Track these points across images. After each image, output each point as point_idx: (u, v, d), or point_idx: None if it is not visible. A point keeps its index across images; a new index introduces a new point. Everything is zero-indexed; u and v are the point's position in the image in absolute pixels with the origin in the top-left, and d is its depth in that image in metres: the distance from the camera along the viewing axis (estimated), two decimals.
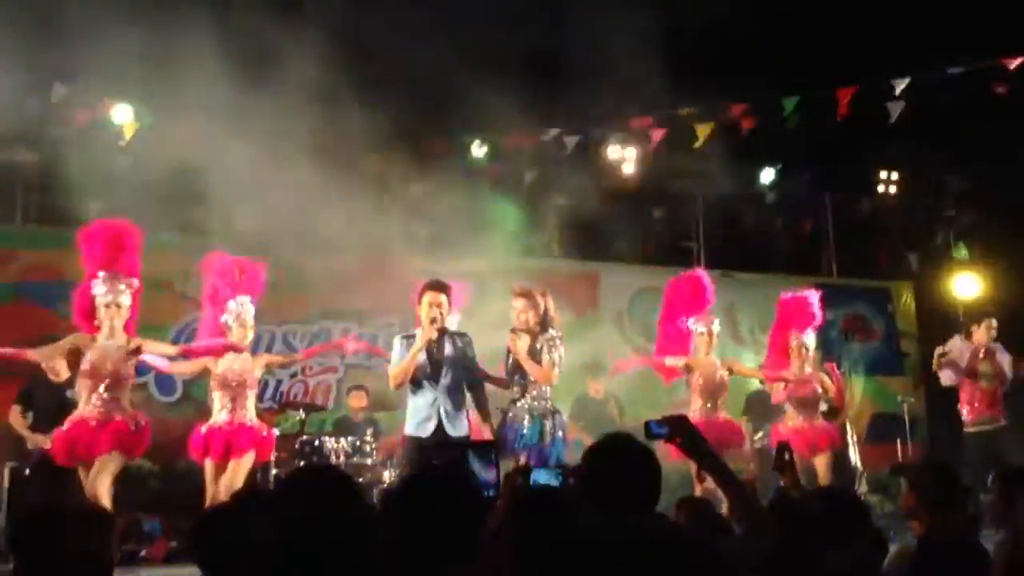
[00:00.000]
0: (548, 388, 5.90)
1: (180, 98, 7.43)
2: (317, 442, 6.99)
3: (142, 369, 6.44)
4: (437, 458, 5.12)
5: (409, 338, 5.70)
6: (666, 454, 2.72)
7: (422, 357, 5.61)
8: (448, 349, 5.69)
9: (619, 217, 10.20)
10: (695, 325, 6.95)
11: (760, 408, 8.43)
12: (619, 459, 2.51)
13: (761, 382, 8.13)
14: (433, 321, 5.59)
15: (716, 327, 7.00)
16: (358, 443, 7.10)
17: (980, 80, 8.15)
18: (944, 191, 11.46)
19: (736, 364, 7.37)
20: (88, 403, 5.51)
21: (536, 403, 5.84)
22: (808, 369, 7.18)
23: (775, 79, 9.03)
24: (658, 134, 9.28)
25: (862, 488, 8.47)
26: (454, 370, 5.65)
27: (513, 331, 5.93)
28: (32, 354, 5.51)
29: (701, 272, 7.44)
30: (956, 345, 7.49)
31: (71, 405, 5.75)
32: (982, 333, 7.39)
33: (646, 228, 10.83)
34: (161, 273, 7.24)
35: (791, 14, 8.81)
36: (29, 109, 7.83)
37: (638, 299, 10.13)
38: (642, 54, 7.49)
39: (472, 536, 2.00)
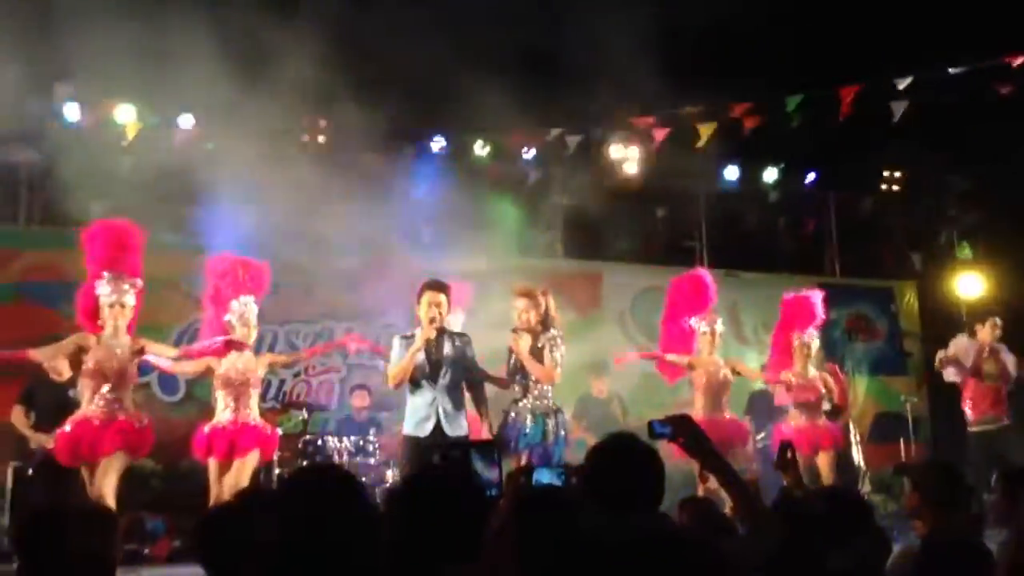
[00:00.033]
0: (550, 387, 5.90)
1: (180, 98, 7.44)
2: (320, 441, 7.02)
3: (145, 369, 6.45)
4: (441, 457, 5.10)
5: (408, 338, 5.68)
6: (669, 454, 2.71)
7: (421, 357, 5.59)
8: (447, 349, 5.66)
9: (622, 216, 10.20)
10: (698, 324, 6.95)
11: (763, 407, 8.42)
12: (622, 459, 2.50)
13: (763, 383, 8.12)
14: (432, 321, 5.57)
15: (720, 326, 6.99)
16: (361, 442, 7.11)
17: (983, 79, 8.12)
18: (947, 190, 11.45)
19: (739, 364, 7.36)
20: (91, 403, 5.51)
21: (538, 402, 5.84)
22: (811, 369, 7.18)
23: (778, 78, 9.02)
24: (660, 133, 9.27)
25: (865, 488, 8.47)
26: (453, 370, 5.63)
27: (515, 331, 5.94)
28: (34, 354, 5.51)
29: (703, 271, 7.44)
30: (961, 344, 7.48)
31: (73, 405, 5.74)
32: (986, 332, 7.39)
33: (649, 227, 10.82)
34: (163, 273, 7.24)
35: (794, 13, 8.81)
36: (30, 109, 7.85)
37: (641, 299, 10.11)
38: (644, 53, 7.49)
39: (475, 536, 1.99)
